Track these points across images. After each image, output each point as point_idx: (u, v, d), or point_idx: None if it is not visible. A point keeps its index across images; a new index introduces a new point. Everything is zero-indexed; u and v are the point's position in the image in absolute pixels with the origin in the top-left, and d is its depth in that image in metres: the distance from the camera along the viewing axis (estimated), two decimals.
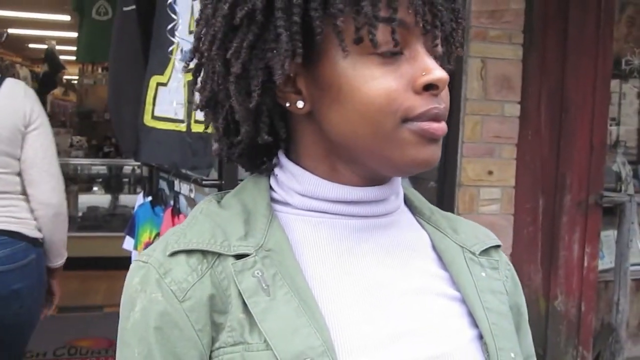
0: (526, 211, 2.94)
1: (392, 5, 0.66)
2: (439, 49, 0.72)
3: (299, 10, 0.67)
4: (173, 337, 0.66)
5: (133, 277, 0.70)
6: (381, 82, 0.67)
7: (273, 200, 0.76)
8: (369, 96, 0.67)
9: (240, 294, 0.67)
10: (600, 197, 2.99)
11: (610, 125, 3.51)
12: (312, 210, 0.75)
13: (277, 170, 0.78)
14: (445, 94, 0.71)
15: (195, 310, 0.67)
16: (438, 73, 0.68)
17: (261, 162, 0.81)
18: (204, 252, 0.69)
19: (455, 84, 2.75)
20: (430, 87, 0.68)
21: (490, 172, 2.88)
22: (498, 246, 0.86)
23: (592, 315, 3.03)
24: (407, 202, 0.83)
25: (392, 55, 0.68)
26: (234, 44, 0.69)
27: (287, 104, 0.73)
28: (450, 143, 2.79)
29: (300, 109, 0.72)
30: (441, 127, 0.69)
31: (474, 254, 0.81)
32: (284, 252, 0.70)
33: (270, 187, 0.77)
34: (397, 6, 0.66)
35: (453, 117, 2.77)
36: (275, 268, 0.69)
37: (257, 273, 0.68)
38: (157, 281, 0.68)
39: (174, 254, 0.69)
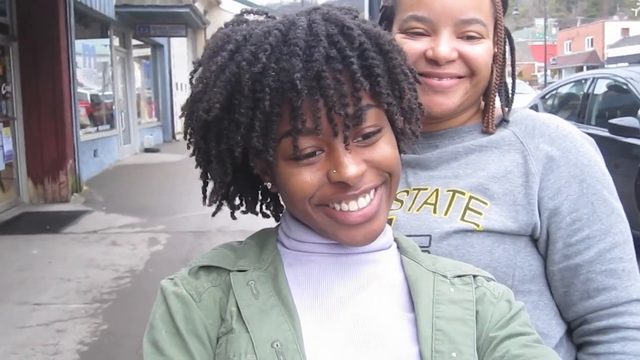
0: None
1: (291, 122, 0.84)
2: (366, 129, 0.87)
3: (226, 140, 0.89)
4: (194, 320, 0.87)
5: (163, 286, 0.92)
6: (298, 178, 0.88)
7: (278, 241, 1.00)
8: (290, 189, 0.89)
9: (235, 297, 0.89)
10: None
11: None
12: (300, 251, 0.96)
13: (281, 220, 1.02)
14: (375, 169, 0.89)
15: (207, 308, 0.89)
16: (347, 172, 0.85)
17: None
18: (218, 270, 0.93)
19: None
20: (341, 182, 0.86)
21: None
22: (489, 279, 0.99)
23: None
24: (398, 244, 1.02)
25: (307, 157, 0.87)
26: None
27: (265, 183, 0.99)
28: None
29: (270, 188, 1.00)
30: (356, 215, 0.89)
31: (445, 276, 0.96)
32: (277, 272, 0.93)
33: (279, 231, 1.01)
34: (296, 122, 0.83)
35: None
36: (267, 283, 0.91)
37: (251, 283, 0.91)
38: (181, 287, 0.91)
39: (195, 270, 0.93)
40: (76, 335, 4.38)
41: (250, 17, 0.96)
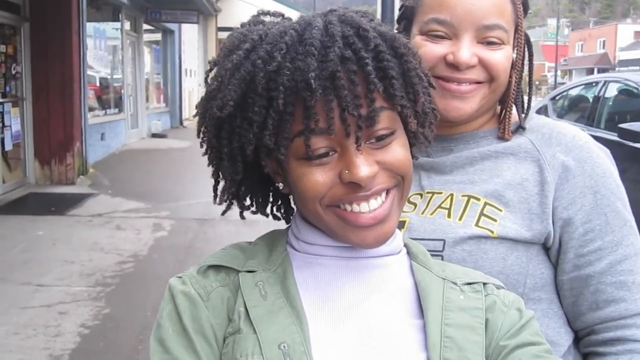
0: None
1: (304, 122, 0.84)
2: (379, 131, 0.86)
3: (238, 138, 0.88)
4: (201, 320, 0.87)
5: (172, 284, 0.92)
6: (310, 178, 0.87)
7: (288, 243, 0.99)
8: (301, 188, 0.88)
9: (244, 297, 0.89)
10: None
11: None
12: (310, 253, 0.95)
13: (292, 222, 1.01)
14: (389, 169, 0.88)
15: (215, 308, 0.89)
16: (359, 172, 0.85)
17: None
18: (227, 270, 0.93)
19: None
20: (352, 182, 0.85)
21: None
22: (499, 287, 0.98)
23: None
24: (408, 250, 1.01)
25: (320, 157, 0.86)
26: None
27: (276, 183, 0.98)
28: None
29: (282, 189, 0.98)
30: (367, 216, 0.87)
31: (455, 283, 0.96)
32: (286, 274, 0.92)
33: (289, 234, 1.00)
34: (309, 122, 0.83)
35: None
36: (276, 284, 0.91)
37: (259, 284, 0.91)
38: (189, 286, 0.91)
39: (204, 269, 0.94)
40: (78, 317, 4.40)
41: (267, 18, 0.97)
